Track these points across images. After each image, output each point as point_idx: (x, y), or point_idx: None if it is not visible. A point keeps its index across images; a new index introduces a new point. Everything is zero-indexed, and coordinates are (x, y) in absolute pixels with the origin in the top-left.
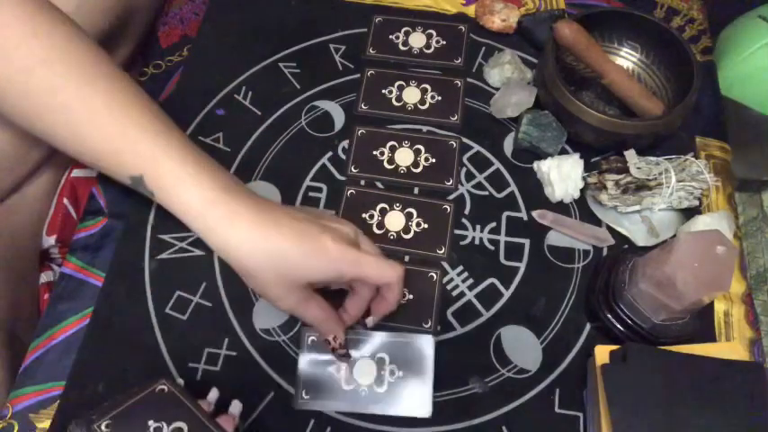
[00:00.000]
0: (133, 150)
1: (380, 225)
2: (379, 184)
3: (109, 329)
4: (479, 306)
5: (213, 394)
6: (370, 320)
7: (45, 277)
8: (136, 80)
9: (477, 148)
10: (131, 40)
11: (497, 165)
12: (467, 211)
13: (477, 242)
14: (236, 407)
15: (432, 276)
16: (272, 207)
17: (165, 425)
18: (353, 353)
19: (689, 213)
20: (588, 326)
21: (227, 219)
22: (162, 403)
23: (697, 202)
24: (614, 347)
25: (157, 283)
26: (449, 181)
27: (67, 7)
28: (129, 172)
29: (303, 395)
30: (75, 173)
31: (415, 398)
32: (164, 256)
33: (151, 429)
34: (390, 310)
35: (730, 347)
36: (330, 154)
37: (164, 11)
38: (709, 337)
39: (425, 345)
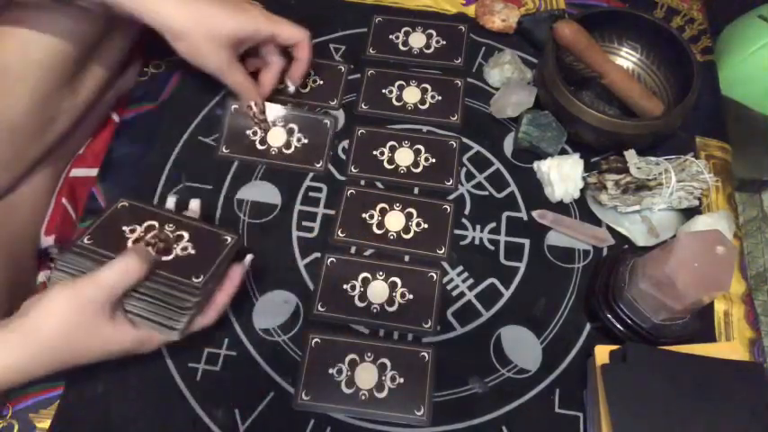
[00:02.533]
0: None
1: (380, 225)
2: (379, 184)
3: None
4: (479, 306)
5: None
6: (290, 86)
7: (43, 277)
8: (136, 80)
9: (477, 148)
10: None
11: (497, 165)
12: (467, 211)
13: (477, 242)
14: (248, 258)
15: (432, 276)
16: None
17: (137, 226)
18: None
19: (689, 213)
20: (588, 326)
21: None
22: (128, 214)
23: (697, 202)
24: (614, 347)
25: None
26: (449, 181)
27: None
28: None
29: (303, 396)
30: (74, 172)
31: (415, 404)
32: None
33: (126, 232)
34: (304, 70)
35: (730, 347)
36: (330, 154)
37: None
38: (709, 337)
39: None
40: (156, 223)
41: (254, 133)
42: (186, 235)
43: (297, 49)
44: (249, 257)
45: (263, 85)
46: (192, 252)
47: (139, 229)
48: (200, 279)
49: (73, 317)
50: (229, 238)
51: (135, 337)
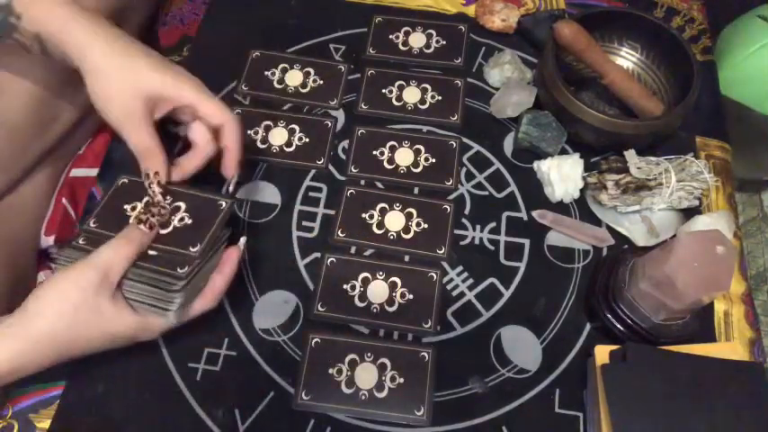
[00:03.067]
0: None
1: (380, 225)
2: (379, 184)
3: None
4: (479, 306)
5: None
6: (230, 180)
7: (44, 276)
8: None
9: (477, 147)
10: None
11: (497, 165)
12: (467, 211)
13: (477, 242)
14: (242, 241)
15: (432, 276)
16: (126, 36)
17: (137, 203)
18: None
19: (689, 213)
20: (588, 326)
21: (90, 28)
22: (128, 191)
23: (697, 202)
24: (614, 347)
25: None
26: (449, 181)
27: None
28: None
29: (303, 396)
30: (74, 172)
31: (415, 404)
32: None
33: (128, 210)
34: (235, 160)
35: (730, 347)
36: (330, 154)
37: (164, 11)
38: (709, 337)
39: (220, 203)
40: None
41: (256, 133)
42: (183, 205)
43: (222, 135)
44: (243, 240)
45: (180, 165)
46: (189, 222)
47: (140, 206)
48: (196, 248)
49: (73, 299)
50: (224, 203)
51: (136, 321)
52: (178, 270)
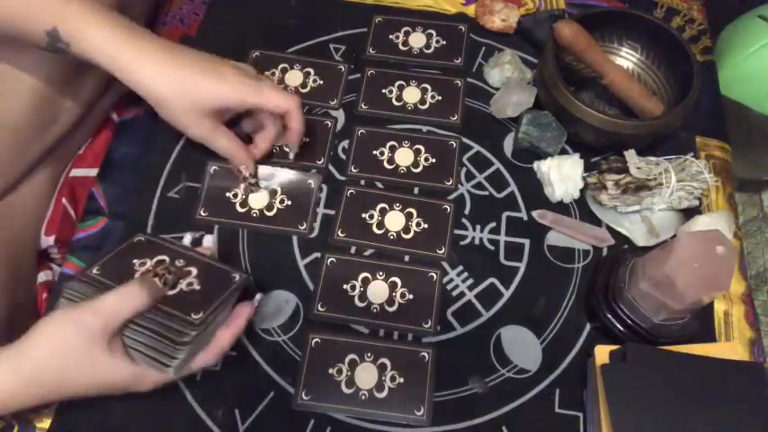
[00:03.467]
0: (42, 2)
1: (380, 225)
2: (379, 184)
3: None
4: (479, 306)
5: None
6: (289, 152)
7: (43, 276)
8: None
9: (477, 148)
10: None
11: (497, 165)
12: (467, 211)
13: (477, 242)
14: (257, 297)
15: (432, 276)
16: (179, 47)
17: (147, 260)
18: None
19: (689, 213)
20: (588, 326)
21: (138, 58)
22: (142, 248)
23: (697, 202)
24: (614, 347)
25: None
26: (449, 181)
27: None
28: (42, 26)
29: (303, 396)
30: (74, 172)
31: (415, 404)
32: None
33: (136, 265)
34: (299, 136)
35: (730, 347)
36: (330, 154)
37: (164, 11)
38: (709, 337)
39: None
40: (166, 258)
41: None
42: (194, 270)
43: (287, 119)
44: (258, 297)
45: (257, 147)
46: (197, 288)
47: (149, 263)
48: (199, 315)
49: (68, 341)
50: (237, 276)
51: (132, 373)
52: (192, 315)
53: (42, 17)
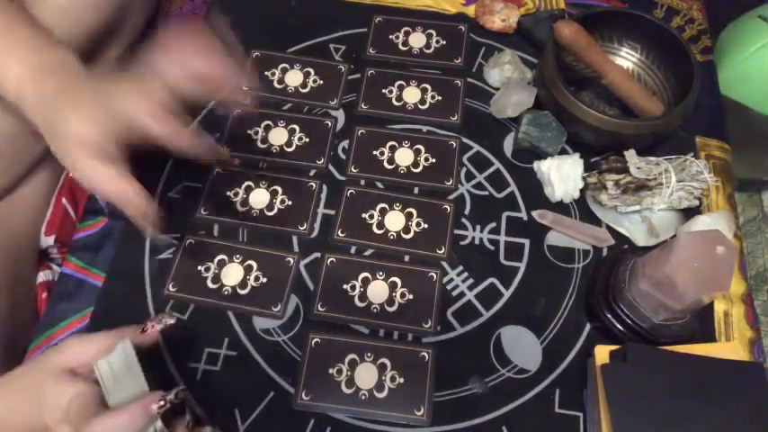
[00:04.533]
0: None
1: (380, 225)
2: (379, 184)
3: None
4: (479, 306)
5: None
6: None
7: (43, 276)
8: None
9: (477, 148)
10: (124, 39)
11: (497, 165)
12: (467, 211)
13: (477, 242)
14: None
15: (432, 276)
16: (79, 88)
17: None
18: None
19: (689, 213)
20: (588, 326)
21: (38, 102)
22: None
23: (697, 202)
24: (614, 347)
25: (157, 284)
26: (449, 181)
27: (57, 5)
28: None
29: (303, 396)
30: None
31: (415, 404)
32: (164, 256)
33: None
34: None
35: (730, 347)
36: (330, 154)
37: (164, 10)
38: (710, 337)
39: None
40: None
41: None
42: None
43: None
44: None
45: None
46: None
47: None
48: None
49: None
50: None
51: None
52: None
53: None
